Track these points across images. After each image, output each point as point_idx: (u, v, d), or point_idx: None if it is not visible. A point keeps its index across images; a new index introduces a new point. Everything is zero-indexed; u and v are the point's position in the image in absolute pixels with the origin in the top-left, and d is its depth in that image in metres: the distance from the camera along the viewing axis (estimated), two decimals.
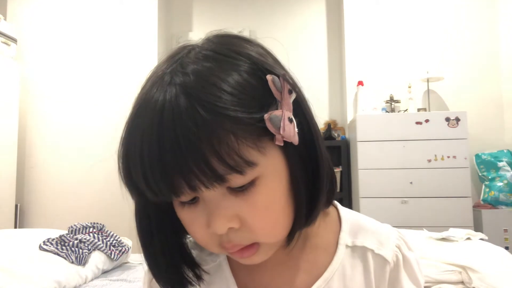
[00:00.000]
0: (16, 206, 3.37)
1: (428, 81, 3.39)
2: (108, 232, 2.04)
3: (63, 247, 1.76)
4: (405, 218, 2.96)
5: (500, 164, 3.21)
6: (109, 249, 1.89)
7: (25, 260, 1.63)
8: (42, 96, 3.59)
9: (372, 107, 3.38)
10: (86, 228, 1.98)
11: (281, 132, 0.40)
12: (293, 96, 0.43)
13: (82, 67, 3.58)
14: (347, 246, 0.52)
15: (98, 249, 1.86)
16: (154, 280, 0.52)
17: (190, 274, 0.50)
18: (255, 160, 0.40)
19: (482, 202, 3.19)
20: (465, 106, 3.28)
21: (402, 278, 0.51)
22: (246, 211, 0.42)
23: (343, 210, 0.55)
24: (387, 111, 3.41)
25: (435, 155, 3.01)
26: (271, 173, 0.42)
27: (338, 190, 3.34)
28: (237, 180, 0.40)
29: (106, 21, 3.60)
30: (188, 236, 0.51)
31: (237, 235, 0.43)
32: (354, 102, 3.53)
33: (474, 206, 3.08)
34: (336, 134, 3.60)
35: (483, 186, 3.25)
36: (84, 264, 1.73)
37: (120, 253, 1.94)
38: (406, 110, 3.36)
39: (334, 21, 3.90)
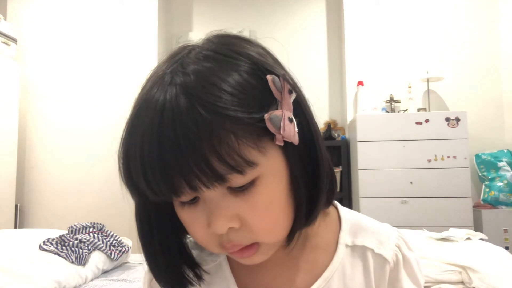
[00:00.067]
0: (16, 206, 3.37)
1: (428, 81, 3.39)
2: (108, 232, 2.03)
3: (63, 247, 1.76)
4: (405, 218, 2.96)
5: (500, 164, 3.21)
6: (109, 249, 1.89)
7: (25, 260, 1.63)
8: (42, 96, 3.59)
9: (372, 107, 3.38)
10: (86, 228, 1.98)
11: (281, 132, 0.40)
12: (293, 96, 0.43)
13: (82, 67, 3.58)
14: (347, 245, 0.52)
15: (98, 249, 1.86)
16: (154, 280, 0.52)
17: (191, 274, 0.50)
18: (255, 160, 0.40)
19: (482, 202, 3.19)
20: (465, 106, 3.28)
21: (402, 277, 0.51)
22: (246, 211, 0.42)
23: (343, 210, 0.55)
24: (387, 111, 3.41)
25: (435, 155, 3.01)
26: (271, 173, 0.42)
27: (338, 190, 3.34)
28: (237, 180, 0.40)
29: (106, 21, 3.60)
30: (188, 236, 0.51)
31: (237, 235, 0.43)
32: (354, 102, 3.53)
33: (474, 206, 3.08)
34: (336, 134, 3.60)
35: (483, 186, 3.25)
36: (84, 264, 1.73)
37: (120, 253, 1.94)
38: (406, 110, 3.37)
39: (334, 21, 3.90)
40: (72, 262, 1.69)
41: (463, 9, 3.54)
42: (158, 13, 3.63)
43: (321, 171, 0.45)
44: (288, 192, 0.44)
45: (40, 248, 1.75)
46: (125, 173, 0.42)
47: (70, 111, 3.55)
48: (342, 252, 0.51)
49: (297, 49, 3.83)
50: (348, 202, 3.37)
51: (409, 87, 3.42)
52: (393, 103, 3.45)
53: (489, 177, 3.22)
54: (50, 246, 1.75)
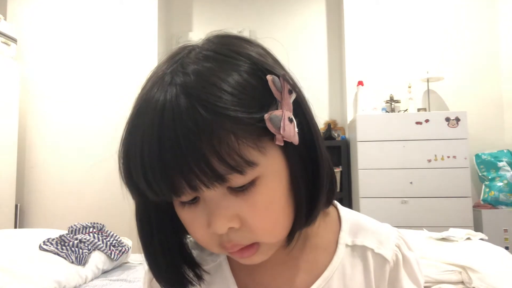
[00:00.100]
0: (16, 206, 3.37)
1: (428, 81, 3.39)
2: (108, 232, 2.03)
3: (63, 247, 1.76)
4: (405, 218, 2.96)
5: (500, 164, 3.21)
6: (109, 249, 1.89)
7: (25, 260, 1.63)
8: (42, 96, 3.59)
9: (372, 107, 3.38)
10: (86, 228, 1.98)
11: (281, 132, 0.41)
12: (293, 96, 0.43)
13: (82, 67, 3.58)
14: (347, 245, 0.52)
15: (98, 249, 1.86)
16: (154, 280, 0.52)
17: (191, 274, 0.50)
18: (255, 160, 0.40)
19: (482, 202, 3.19)
20: (465, 106, 3.28)
21: (402, 277, 0.51)
22: (246, 211, 0.42)
23: (343, 210, 0.55)
24: (387, 111, 3.41)
25: (435, 155, 3.01)
26: (271, 173, 0.42)
27: (338, 190, 3.34)
28: (237, 180, 0.40)
29: (106, 21, 3.60)
30: (189, 236, 0.51)
31: (237, 235, 0.43)
32: (354, 102, 3.53)
33: (474, 206, 3.08)
34: (336, 134, 3.60)
35: (483, 186, 3.25)
36: (84, 264, 1.73)
37: (120, 253, 1.94)
38: (406, 110, 3.37)
39: (334, 21, 3.90)
40: (72, 262, 1.69)
41: (463, 9, 3.54)
42: (158, 13, 3.63)
43: (321, 171, 0.45)
44: (288, 192, 0.44)
45: (40, 248, 1.75)
46: (125, 173, 0.42)
47: (70, 111, 3.55)
48: (342, 252, 0.51)
49: (297, 49, 3.83)
50: (348, 202, 3.37)
51: (409, 87, 3.42)
52: (393, 103, 3.45)
53: (489, 177, 3.22)
54: (50, 246, 1.75)
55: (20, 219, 3.43)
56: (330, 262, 0.51)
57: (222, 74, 0.40)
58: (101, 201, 3.36)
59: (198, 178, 0.38)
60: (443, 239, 1.77)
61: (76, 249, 1.76)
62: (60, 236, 1.85)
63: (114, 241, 1.96)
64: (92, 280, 1.75)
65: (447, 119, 3.03)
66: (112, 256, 1.89)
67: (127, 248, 2.01)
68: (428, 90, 3.40)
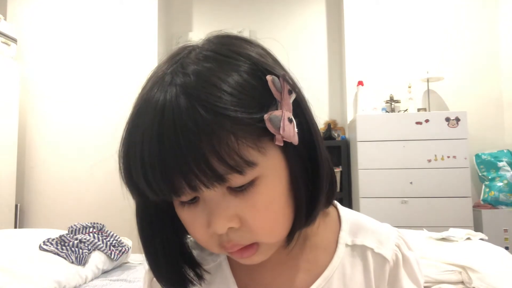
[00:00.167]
0: (16, 206, 3.37)
1: (428, 81, 3.39)
2: (108, 232, 2.04)
3: (63, 247, 1.76)
4: (405, 218, 2.96)
5: (500, 164, 3.21)
6: (109, 249, 1.89)
7: (25, 260, 1.63)
8: (42, 96, 3.59)
9: (372, 107, 3.38)
10: (86, 228, 1.98)
11: (281, 132, 0.41)
12: (293, 96, 0.43)
13: (82, 67, 3.58)
14: (347, 245, 0.52)
15: (98, 249, 1.86)
16: (154, 279, 0.52)
17: (191, 274, 0.50)
18: (255, 160, 0.40)
19: (482, 202, 3.19)
20: (465, 106, 3.28)
21: (401, 277, 0.51)
22: (246, 211, 0.42)
23: (343, 210, 0.55)
24: (387, 111, 3.41)
25: (435, 155, 3.01)
26: (271, 173, 0.42)
27: (338, 190, 3.34)
28: (237, 180, 0.40)
29: (106, 21, 3.61)
30: (189, 236, 0.51)
31: (237, 235, 0.43)
32: (354, 102, 3.53)
33: (474, 206, 3.08)
34: (336, 134, 3.60)
35: (483, 186, 3.25)
36: (84, 264, 1.73)
37: (120, 253, 1.94)
38: (406, 110, 3.37)
39: (334, 21, 3.90)
40: (72, 262, 1.69)
41: (463, 9, 3.54)
42: (158, 13, 3.63)
43: (321, 171, 0.45)
44: (288, 192, 0.44)
45: (40, 248, 1.75)
46: (125, 173, 0.42)
47: (70, 111, 3.55)
48: (342, 252, 0.51)
49: (297, 49, 3.83)
50: (348, 202, 3.37)
51: (409, 87, 3.43)
52: (393, 103, 3.45)
53: (489, 177, 3.22)
54: (50, 246, 1.75)
55: (20, 219, 3.43)
56: (330, 261, 0.51)
57: (222, 75, 0.40)
58: (101, 201, 3.36)
59: (198, 178, 0.39)
60: (443, 239, 1.77)
61: (76, 249, 1.76)
62: (60, 236, 1.85)
63: (114, 241, 1.96)
64: (92, 280, 1.75)
65: (447, 119, 3.03)
66: (112, 256, 1.89)
67: (127, 248, 2.01)
68: (428, 90, 3.41)
